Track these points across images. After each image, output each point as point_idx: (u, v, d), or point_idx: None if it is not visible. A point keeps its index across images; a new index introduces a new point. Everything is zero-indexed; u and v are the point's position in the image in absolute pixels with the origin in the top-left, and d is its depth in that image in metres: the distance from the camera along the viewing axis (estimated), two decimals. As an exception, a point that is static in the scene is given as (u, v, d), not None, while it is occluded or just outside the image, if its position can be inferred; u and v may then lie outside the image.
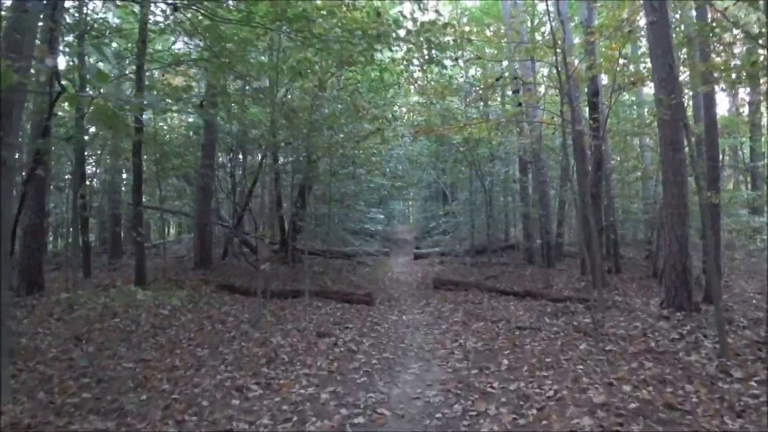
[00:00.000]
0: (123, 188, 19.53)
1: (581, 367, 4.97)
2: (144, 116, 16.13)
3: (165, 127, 17.39)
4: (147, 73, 10.19)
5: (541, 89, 11.47)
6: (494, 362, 5.35)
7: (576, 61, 10.20)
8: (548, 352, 5.55)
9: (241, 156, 17.70)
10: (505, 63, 12.18)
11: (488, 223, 14.94)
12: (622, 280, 10.69)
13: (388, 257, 20.63)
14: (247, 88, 11.14)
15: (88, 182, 15.28)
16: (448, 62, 7.55)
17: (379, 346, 6.30)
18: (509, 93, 11.17)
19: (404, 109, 11.39)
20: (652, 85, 8.05)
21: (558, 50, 7.27)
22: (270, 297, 9.66)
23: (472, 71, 17.48)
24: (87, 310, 7.07)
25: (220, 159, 14.71)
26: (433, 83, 8.90)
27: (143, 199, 11.51)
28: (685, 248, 6.97)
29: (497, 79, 9.92)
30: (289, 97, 12.16)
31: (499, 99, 14.95)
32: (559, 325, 6.95)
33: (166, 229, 25.21)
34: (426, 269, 15.73)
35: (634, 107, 16.16)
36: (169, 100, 10.03)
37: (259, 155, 16.80)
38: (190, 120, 15.35)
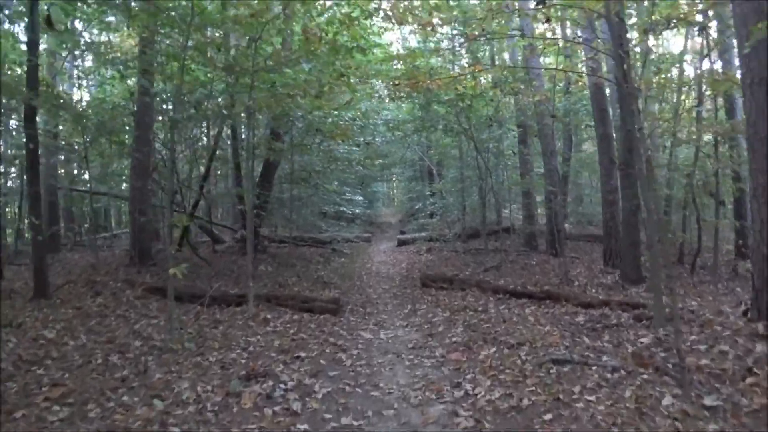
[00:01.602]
0: (62, 171, 16.90)
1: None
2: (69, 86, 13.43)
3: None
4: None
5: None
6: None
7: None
8: (616, 416, 3.31)
9: (203, 129, 15.18)
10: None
11: (483, 203, 12.66)
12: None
13: (370, 243, 18.33)
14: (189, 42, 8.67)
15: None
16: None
17: (339, 398, 3.99)
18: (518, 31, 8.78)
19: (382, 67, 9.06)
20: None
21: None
22: (209, 304, 7.34)
23: None
24: None
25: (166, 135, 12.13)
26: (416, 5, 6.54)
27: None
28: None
29: None
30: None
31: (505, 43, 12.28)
32: (607, 350, 4.72)
33: (123, 218, 22.56)
34: (412, 258, 13.46)
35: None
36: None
37: (217, 128, 14.33)
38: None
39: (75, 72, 15.16)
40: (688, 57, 11.29)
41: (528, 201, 13.57)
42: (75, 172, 16.66)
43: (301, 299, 7.02)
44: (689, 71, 12.10)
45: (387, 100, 10.17)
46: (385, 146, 20.94)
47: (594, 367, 4.15)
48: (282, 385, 4.17)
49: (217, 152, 14.14)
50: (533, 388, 3.85)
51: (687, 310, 5.79)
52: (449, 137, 17.06)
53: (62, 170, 14.61)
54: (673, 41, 17.74)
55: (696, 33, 9.54)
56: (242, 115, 12.55)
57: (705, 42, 9.05)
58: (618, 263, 9.16)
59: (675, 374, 3.90)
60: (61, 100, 9.81)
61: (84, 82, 16.12)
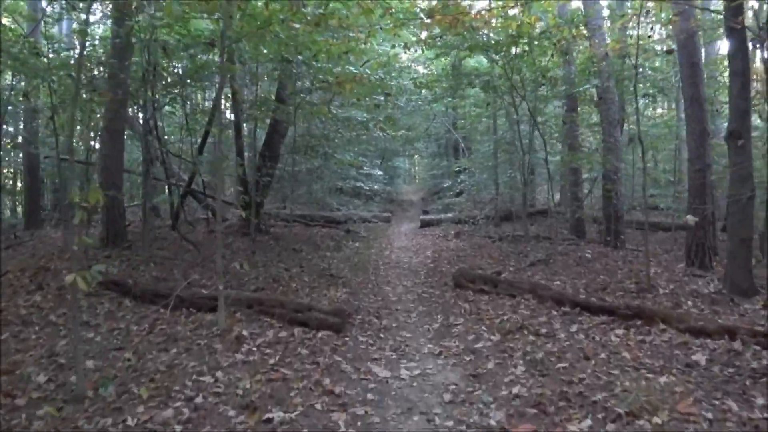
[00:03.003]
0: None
1: None
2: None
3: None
4: None
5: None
6: None
7: None
8: None
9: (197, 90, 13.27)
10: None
11: (525, 181, 10.57)
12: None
13: (389, 224, 16.42)
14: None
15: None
16: None
17: None
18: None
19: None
20: None
21: None
22: (175, 307, 5.58)
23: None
24: None
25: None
26: None
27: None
28: None
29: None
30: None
31: None
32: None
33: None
34: (438, 244, 11.51)
35: None
36: None
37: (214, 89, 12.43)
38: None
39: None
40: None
41: (575, 180, 11.44)
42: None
43: (294, 307, 5.15)
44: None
45: (413, 51, 8.04)
46: (408, 117, 18.88)
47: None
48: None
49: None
50: None
51: None
52: (480, 108, 14.95)
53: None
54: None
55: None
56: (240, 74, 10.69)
57: None
58: (708, 263, 7.12)
59: None
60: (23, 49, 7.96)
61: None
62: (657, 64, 12.70)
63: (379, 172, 16.47)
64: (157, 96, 9.32)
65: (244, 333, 4.74)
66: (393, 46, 8.54)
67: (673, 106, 15.66)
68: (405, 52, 9.38)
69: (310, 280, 7.21)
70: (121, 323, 5.24)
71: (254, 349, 4.41)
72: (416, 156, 31.61)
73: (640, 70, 10.91)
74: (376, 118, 7.03)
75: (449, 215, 15.48)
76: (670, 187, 16.55)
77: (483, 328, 4.92)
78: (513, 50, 6.85)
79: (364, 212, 16.73)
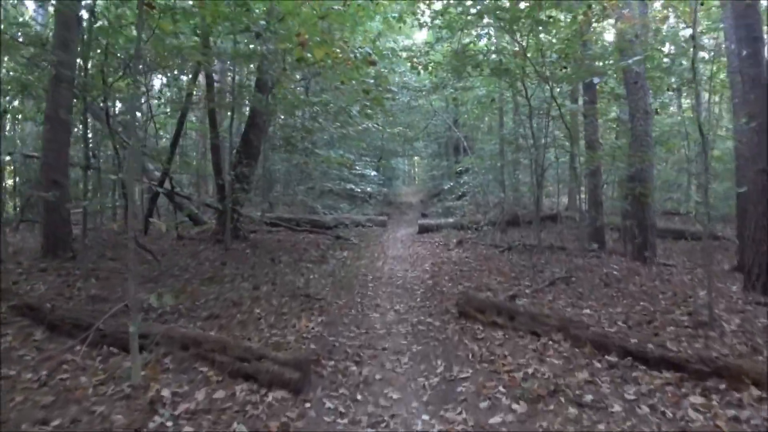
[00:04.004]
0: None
1: None
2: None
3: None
4: None
5: None
6: None
7: None
8: None
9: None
10: None
11: (539, 183, 9.14)
12: None
13: (385, 228, 15.01)
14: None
15: None
16: None
17: None
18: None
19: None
20: None
21: None
22: (94, 344, 4.24)
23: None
24: None
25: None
26: None
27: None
28: None
29: None
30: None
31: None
32: None
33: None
34: (438, 254, 10.12)
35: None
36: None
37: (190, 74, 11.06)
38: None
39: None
40: None
41: (595, 182, 10.05)
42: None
43: (240, 354, 3.75)
44: None
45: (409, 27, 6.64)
46: (406, 114, 17.52)
47: None
48: None
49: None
50: None
51: None
52: (485, 103, 13.58)
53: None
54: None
55: None
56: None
57: None
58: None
59: None
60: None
61: None
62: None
63: (373, 173, 15.05)
64: (110, 80, 7.93)
65: (165, 393, 3.36)
66: (384, 18, 7.16)
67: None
68: (400, 27, 7.96)
69: (279, 303, 5.82)
70: (16, 366, 3.88)
71: (170, 423, 3.03)
72: (416, 157, 30.34)
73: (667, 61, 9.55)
74: (362, 102, 5.65)
75: (450, 220, 14.11)
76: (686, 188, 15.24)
77: (498, 387, 3.52)
78: (533, 16, 5.41)
79: (358, 215, 15.34)
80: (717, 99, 14.86)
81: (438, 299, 6.24)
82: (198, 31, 6.31)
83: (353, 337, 4.85)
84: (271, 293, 6.31)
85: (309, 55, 4.77)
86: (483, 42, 7.12)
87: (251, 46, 6.84)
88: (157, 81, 12.86)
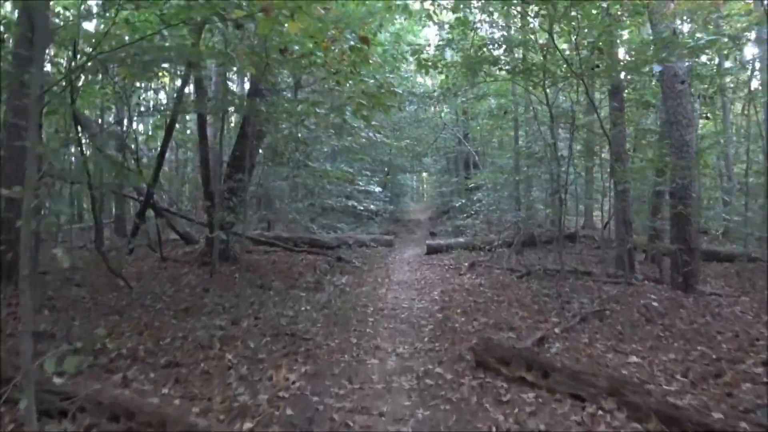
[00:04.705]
0: None
1: None
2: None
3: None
4: None
5: None
6: None
7: None
8: None
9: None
10: None
11: (560, 200, 8.11)
12: None
13: (391, 248, 13.98)
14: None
15: None
16: None
17: None
18: None
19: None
20: None
21: None
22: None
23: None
24: None
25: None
26: None
27: None
28: None
29: None
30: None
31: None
32: None
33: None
34: (448, 280, 9.08)
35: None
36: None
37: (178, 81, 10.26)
38: None
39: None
40: None
41: (624, 198, 9.01)
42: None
43: (180, 433, 2.76)
44: None
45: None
46: (414, 128, 16.66)
47: None
48: None
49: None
50: None
51: None
52: (498, 115, 12.67)
53: None
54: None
55: None
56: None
57: None
58: None
59: None
60: None
61: None
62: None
63: (378, 189, 14.08)
64: (79, 84, 7.08)
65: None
66: (389, 7, 6.27)
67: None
68: (404, 20, 7.09)
69: (257, 345, 4.82)
70: None
71: None
72: (424, 173, 29.49)
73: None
74: (358, 101, 4.75)
75: (460, 240, 13.08)
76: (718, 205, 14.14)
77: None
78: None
79: (363, 234, 14.33)
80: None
81: (449, 339, 5.20)
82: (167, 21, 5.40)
83: (343, 396, 3.82)
84: (251, 330, 5.32)
85: (281, 29, 3.84)
86: (498, 35, 6.19)
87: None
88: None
